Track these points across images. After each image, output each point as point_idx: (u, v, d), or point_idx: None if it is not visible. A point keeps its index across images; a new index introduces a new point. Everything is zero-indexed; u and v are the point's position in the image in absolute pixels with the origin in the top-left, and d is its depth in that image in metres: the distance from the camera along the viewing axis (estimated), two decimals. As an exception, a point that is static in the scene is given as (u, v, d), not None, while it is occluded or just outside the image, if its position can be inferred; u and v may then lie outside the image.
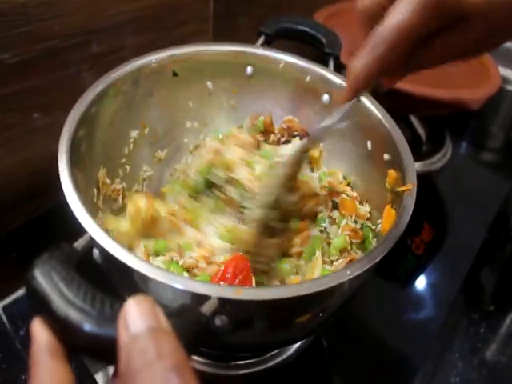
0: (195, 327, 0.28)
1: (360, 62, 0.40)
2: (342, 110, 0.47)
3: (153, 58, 0.56)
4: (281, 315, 0.40)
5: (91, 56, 0.63)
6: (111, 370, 0.56)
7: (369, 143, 0.56)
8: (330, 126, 0.48)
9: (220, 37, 0.80)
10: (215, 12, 0.76)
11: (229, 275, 0.43)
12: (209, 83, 0.62)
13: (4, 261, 0.66)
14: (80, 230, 0.36)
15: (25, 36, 0.53)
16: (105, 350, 0.26)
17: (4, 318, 0.64)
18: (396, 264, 0.73)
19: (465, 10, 0.35)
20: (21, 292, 0.67)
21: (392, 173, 0.49)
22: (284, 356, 0.59)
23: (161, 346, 0.24)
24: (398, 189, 0.47)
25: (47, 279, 0.28)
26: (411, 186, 0.44)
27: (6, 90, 0.56)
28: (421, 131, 0.97)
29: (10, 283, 0.67)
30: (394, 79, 0.46)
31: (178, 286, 0.32)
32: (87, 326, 0.26)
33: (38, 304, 0.28)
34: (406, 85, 0.76)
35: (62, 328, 0.27)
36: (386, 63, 0.39)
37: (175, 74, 0.59)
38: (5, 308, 0.65)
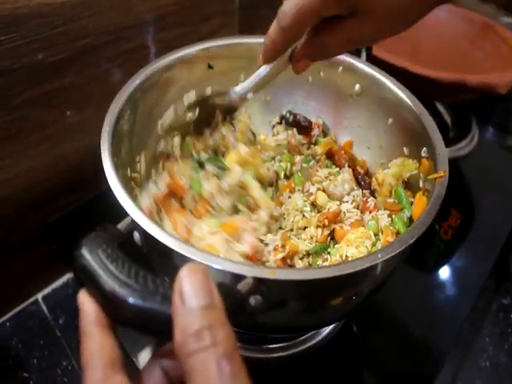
0: (231, 304, 0.29)
1: (270, 31, 0.46)
2: (257, 74, 0.52)
3: (187, 52, 0.57)
4: (311, 296, 0.41)
5: (121, 53, 0.64)
6: (146, 351, 0.59)
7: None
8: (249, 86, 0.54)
9: (246, 29, 0.80)
10: (240, 5, 0.77)
11: None
12: (242, 76, 0.62)
13: (43, 252, 0.68)
14: (120, 215, 0.38)
15: (62, 36, 0.55)
16: (147, 322, 0.29)
17: (44, 308, 0.67)
18: (424, 250, 0.74)
19: (361, 4, 0.40)
20: (60, 282, 0.70)
21: (425, 162, 0.50)
22: (314, 341, 0.60)
23: (215, 332, 0.25)
24: (429, 176, 0.48)
25: (94, 256, 0.30)
26: (443, 173, 0.45)
27: (47, 87, 0.58)
28: (447, 117, 0.96)
29: (49, 274, 0.69)
30: (305, 63, 0.51)
31: (216, 266, 0.34)
32: (132, 300, 0.28)
33: (86, 279, 0.30)
34: (433, 71, 0.76)
35: (108, 301, 0.29)
36: (289, 36, 0.45)
37: (210, 67, 0.59)
38: (44, 298, 0.68)
